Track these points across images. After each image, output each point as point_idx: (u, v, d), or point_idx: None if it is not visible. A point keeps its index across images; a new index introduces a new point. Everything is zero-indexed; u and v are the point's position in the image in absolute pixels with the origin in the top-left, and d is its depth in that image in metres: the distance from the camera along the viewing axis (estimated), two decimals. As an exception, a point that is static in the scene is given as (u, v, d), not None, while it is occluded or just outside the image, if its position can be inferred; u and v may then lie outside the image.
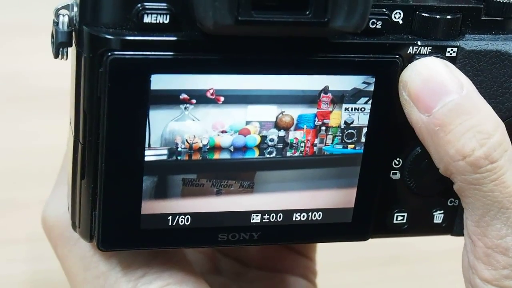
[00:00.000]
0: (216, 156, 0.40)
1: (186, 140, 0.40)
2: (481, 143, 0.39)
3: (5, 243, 0.63)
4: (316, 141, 0.41)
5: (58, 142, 0.50)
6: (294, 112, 0.40)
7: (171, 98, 0.39)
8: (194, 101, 0.39)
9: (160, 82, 0.38)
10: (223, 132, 0.40)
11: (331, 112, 0.41)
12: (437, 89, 0.40)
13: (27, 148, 0.68)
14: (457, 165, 0.40)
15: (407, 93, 0.40)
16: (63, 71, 0.41)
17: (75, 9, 0.39)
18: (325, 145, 0.41)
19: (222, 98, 0.39)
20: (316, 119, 0.41)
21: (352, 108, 0.41)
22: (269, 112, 0.40)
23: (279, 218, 0.42)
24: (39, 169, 0.61)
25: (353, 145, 0.42)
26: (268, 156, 0.41)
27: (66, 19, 0.39)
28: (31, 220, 0.53)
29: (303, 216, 0.42)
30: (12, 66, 0.73)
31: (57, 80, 0.50)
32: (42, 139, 0.67)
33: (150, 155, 0.39)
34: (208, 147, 0.40)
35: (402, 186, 0.44)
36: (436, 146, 0.40)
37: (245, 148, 0.40)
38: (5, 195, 0.65)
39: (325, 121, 0.41)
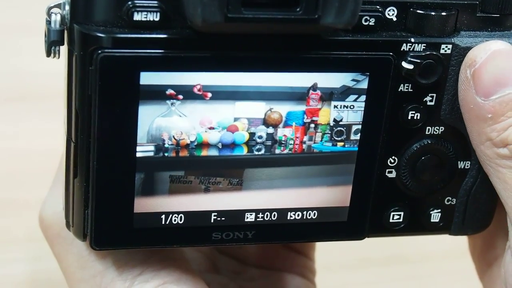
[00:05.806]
0: (204, 152, 0.40)
1: (173, 137, 0.39)
2: None
3: (5, 243, 0.63)
4: (305, 138, 0.41)
5: (58, 142, 0.50)
6: (282, 109, 0.40)
7: (157, 94, 0.38)
8: (181, 96, 0.39)
9: (148, 78, 0.38)
10: (210, 128, 0.40)
11: (320, 109, 0.41)
12: (502, 79, 0.40)
13: (27, 148, 0.68)
14: (497, 150, 0.41)
15: (471, 72, 0.41)
16: (63, 71, 0.41)
17: (67, 7, 0.39)
18: (314, 143, 0.41)
19: (209, 94, 0.39)
20: (305, 116, 0.40)
21: (341, 106, 0.41)
22: (258, 109, 0.40)
23: (274, 217, 0.42)
24: (39, 169, 0.61)
25: (342, 143, 0.41)
26: (256, 153, 0.41)
27: (58, 17, 0.39)
28: (31, 220, 0.53)
29: (298, 215, 0.42)
30: (12, 66, 0.73)
31: (58, 80, 0.50)
32: (42, 139, 0.67)
33: (138, 151, 0.39)
34: (195, 143, 0.40)
35: (398, 184, 0.44)
36: (480, 129, 0.41)
37: (233, 145, 0.40)
38: (5, 195, 0.66)
39: (314, 118, 0.41)
